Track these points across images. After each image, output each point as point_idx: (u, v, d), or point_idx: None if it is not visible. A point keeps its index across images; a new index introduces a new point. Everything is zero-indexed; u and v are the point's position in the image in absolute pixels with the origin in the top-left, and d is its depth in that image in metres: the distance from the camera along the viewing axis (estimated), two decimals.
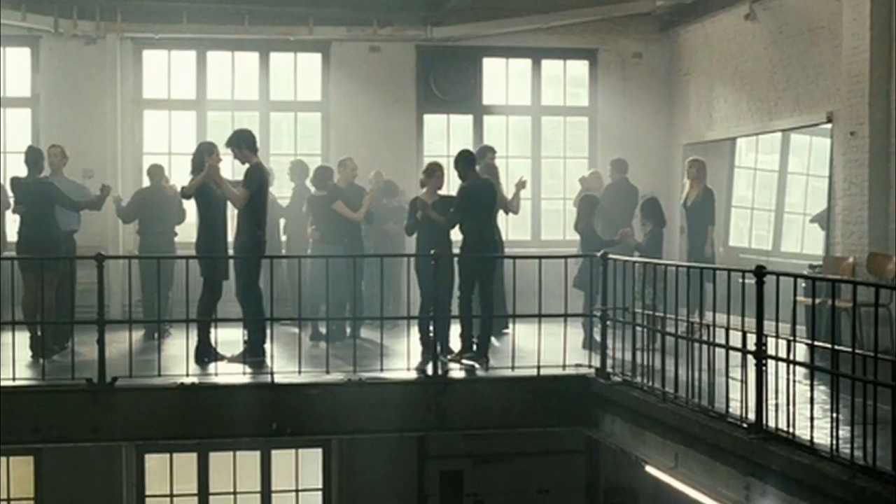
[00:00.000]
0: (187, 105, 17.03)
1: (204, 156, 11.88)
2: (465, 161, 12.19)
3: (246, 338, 11.66)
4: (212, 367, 11.17)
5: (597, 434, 11.17)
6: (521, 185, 14.10)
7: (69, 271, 12.39)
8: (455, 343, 12.17)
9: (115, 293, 14.81)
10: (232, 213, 12.17)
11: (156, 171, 14.34)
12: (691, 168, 14.07)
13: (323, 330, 13.34)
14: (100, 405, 10.35)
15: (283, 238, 15.12)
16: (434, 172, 12.42)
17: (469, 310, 11.97)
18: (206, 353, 11.53)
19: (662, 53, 17.92)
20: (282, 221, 15.21)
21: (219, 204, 11.94)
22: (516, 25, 17.21)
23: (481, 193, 12.13)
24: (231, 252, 12.11)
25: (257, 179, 11.74)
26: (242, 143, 11.81)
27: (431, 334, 11.49)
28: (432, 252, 11.29)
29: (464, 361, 11.75)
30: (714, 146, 17.17)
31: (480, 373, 11.27)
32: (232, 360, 11.46)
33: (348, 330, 13.34)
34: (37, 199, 12.42)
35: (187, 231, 13.90)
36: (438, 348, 11.46)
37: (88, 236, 13.67)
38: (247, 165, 11.84)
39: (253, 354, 11.44)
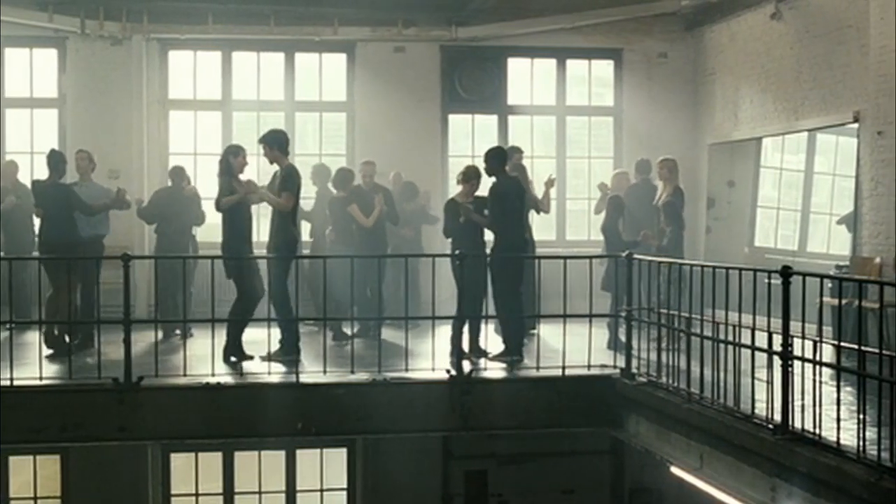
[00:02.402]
0: (213, 105, 17.08)
1: (230, 158, 11.95)
2: (496, 158, 12.16)
3: (280, 337, 11.70)
4: (236, 366, 11.22)
5: (622, 434, 11.16)
6: (550, 183, 14.09)
7: (94, 273, 12.41)
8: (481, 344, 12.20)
9: (140, 293, 14.86)
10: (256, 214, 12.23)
11: (177, 173, 14.37)
12: (662, 169, 13.99)
13: (347, 331, 13.41)
14: (126, 404, 10.41)
15: (310, 240, 15.14)
16: (472, 177, 12.40)
17: (514, 309, 11.93)
18: (234, 353, 11.60)
19: (688, 53, 17.86)
20: (307, 225, 15.25)
21: (244, 207, 12.01)
22: (541, 25, 17.20)
23: (513, 192, 12.11)
24: (265, 252, 12.17)
25: (296, 181, 11.85)
26: (276, 143, 11.90)
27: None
28: (457, 252, 11.32)
29: (501, 360, 11.75)
30: (740, 146, 17.13)
31: (505, 373, 11.26)
32: (271, 359, 11.50)
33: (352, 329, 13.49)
34: (53, 202, 12.53)
35: (209, 230, 13.91)
36: (467, 348, 11.56)
37: (114, 237, 13.71)
38: (276, 166, 11.91)
39: (288, 353, 11.49)
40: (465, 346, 11.99)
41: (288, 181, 11.77)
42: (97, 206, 12.91)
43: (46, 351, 11.82)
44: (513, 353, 11.79)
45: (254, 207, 12.42)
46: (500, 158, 12.21)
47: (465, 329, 11.94)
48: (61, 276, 12.00)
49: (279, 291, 11.75)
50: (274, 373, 11.02)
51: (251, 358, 11.60)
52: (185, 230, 14.09)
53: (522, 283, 12.27)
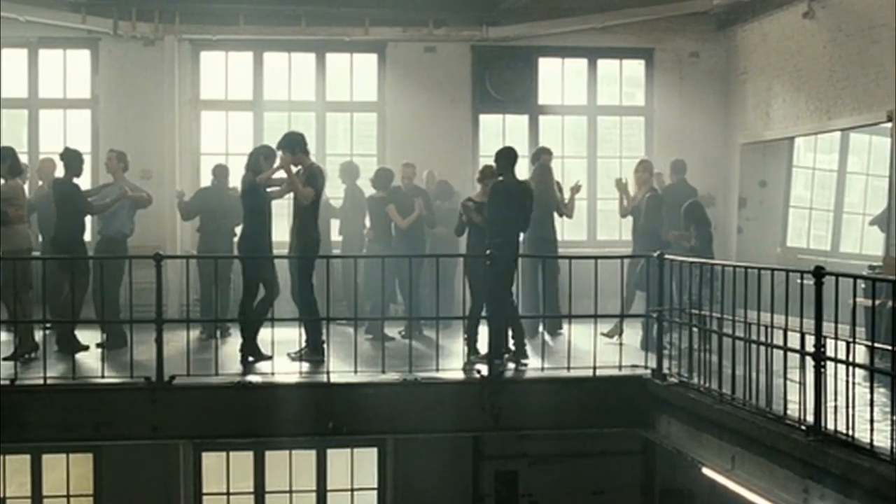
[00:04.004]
0: (244, 106, 17.13)
1: (260, 158, 12.00)
2: (505, 158, 12.08)
3: (306, 337, 11.73)
4: (267, 366, 11.26)
5: (653, 435, 11.13)
6: (576, 189, 14.08)
7: (112, 272, 12.43)
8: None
9: (172, 292, 14.92)
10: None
11: (220, 172, 14.45)
12: (643, 172, 13.96)
13: (387, 332, 13.46)
14: (158, 403, 10.48)
15: (339, 238, 15.21)
16: (487, 177, 12.37)
17: (504, 310, 11.90)
18: (251, 353, 11.63)
19: (719, 52, 17.78)
20: (336, 222, 15.32)
21: (267, 204, 12.06)
22: (572, 25, 17.17)
23: (514, 194, 12.01)
24: (288, 252, 12.22)
25: (320, 179, 11.90)
26: (296, 146, 11.92)
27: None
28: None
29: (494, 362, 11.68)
30: (772, 146, 17.05)
31: (536, 373, 11.23)
32: (299, 358, 11.53)
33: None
34: (60, 200, 12.59)
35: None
36: (477, 348, 11.57)
37: (146, 236, 13.79)
38: (299, 167, 11.95)
39: (314, 353, 11.52)
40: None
41: (311, 177, 11.82)
42: (102, 204, 12.96)
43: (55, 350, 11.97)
44: (520, 356, 11.77)
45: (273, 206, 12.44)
46: (508, 158, 12.10)
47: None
48: (68, 276, 12.10)
49: (302, 291, 11.77)
50: (305, 372, 11.04)
51: (268, 358, 11.62)
52: (228, 229, 14.15)
53: (511, 285, 12.12)
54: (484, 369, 11.02)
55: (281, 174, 11.99)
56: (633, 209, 13.98)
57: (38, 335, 12.16)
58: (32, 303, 12.07)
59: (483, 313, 11.79)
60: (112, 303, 12.50)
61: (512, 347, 11.87)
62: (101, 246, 13.10)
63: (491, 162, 12.40)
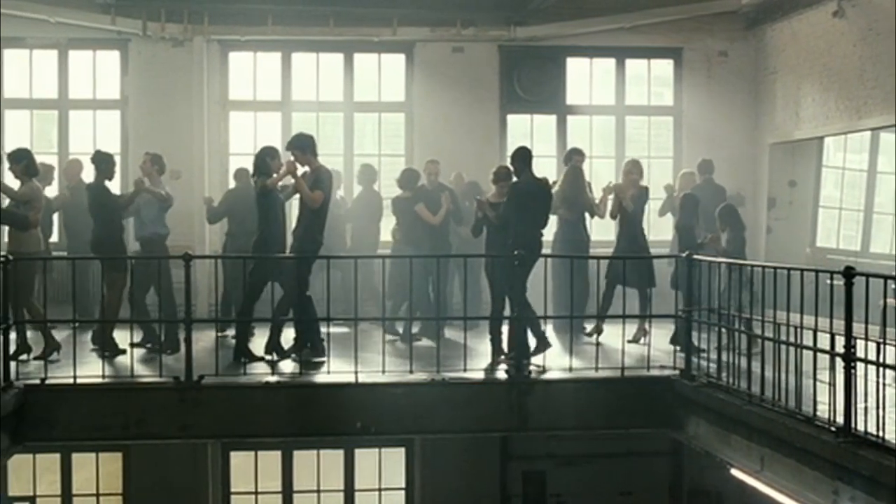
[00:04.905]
0: (272, 106, 17.17)
1: (266, 159, 11.99)
2: (520, 158, 12.10)
3: (297, 338, 11.79)
4: (295, 366, 11.29)
5: (681, 436, 11.09)
6: (608, 190, 14.07)
7: (149, 272, 12.49)
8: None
9: (201, 292, 14.98)
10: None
11: (243, 174, 14.49)
12: (630, 173, 13.93)
13: (401, 329, 13.47)
14: (187, 403, 10.52)
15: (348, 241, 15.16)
16: (502, 177, 12.36)
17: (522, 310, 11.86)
18: (243, 354, 11.66)
19: (748, 52, 17.70)
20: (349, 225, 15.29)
21: (280, 206, 12.10)
22: (600, 25, 17.13)
23: (531, 193, 12.02)
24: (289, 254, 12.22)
25: (327, 181, 11.89)
26: (307, 147, 11.91)
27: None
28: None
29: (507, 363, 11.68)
30: (801, 145, 16.97)
31: (564, 374, 11.21)
32: (299, 359, 11.55)
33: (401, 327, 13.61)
34: (91, 204, 12.68)
35: None
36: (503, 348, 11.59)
37: (175, 237, 13.83)
38: (306, 169, 11.95)
39: (316, 354, 11.54)
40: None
41: (320, 180, 11.82)
42: (125, 198, 13.02)
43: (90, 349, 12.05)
44: (543, 346, 11.74)
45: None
46: (524, 158, 12.12)
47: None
48: (109, 276, 12.19)
49: (301, 293, 11.78)
50: (333, 372, 11.05)
51: (261, 359, 11.64)
52: (254, 231, 14.18)
53: (524, 287, 12.07)
54: (511, 370, 11.02)
55: (288, 179, 12.02)
56: (670, 209, 14.05)
57: (61, 335, 12.20)
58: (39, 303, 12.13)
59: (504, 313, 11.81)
60: (167, 302, 12.60)
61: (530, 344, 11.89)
62: (143, 249, 13.16)
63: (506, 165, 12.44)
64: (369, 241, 14.86)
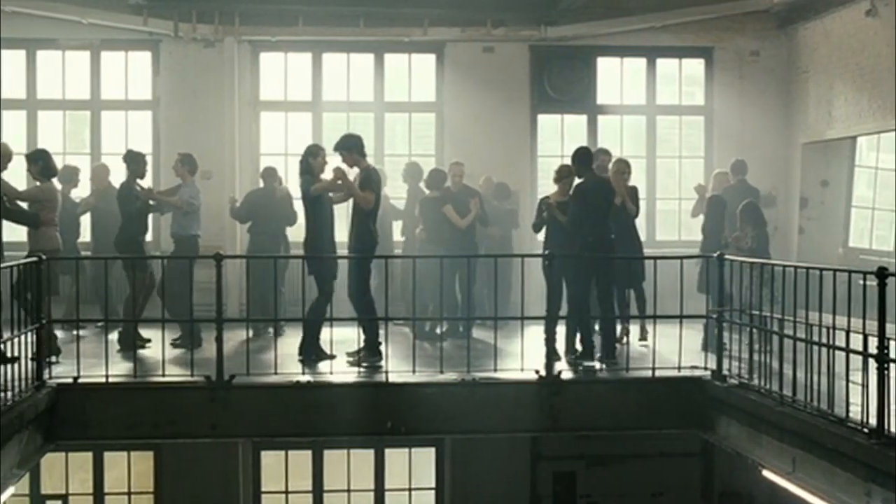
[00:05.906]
0: (303, 106, 17.21)
1: (309, 158, 12.02)
2: (581, 159, 12.17)
3: (364, 337, 11.76)
4: (326, 365, 11.31)
5: (712, 437, 11.04)
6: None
7: (175, 272, 12.52)
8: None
9: (231, 292, 15.02)
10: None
11: (269, 174, 14.54)
12: (622, 173, 13.87)
13: (426, 328, 13.49)
14: (218, 402, 10.55)
15: (402, 238, 15.24)
16: (565, 175, 12.41)
17: (585, 311, 11.90)
18: (312, 352, 11.68)
19: (780, 51, 17.61)
20: (398, 223, 15.34)
21: (327, 205, 12.11)
22: (631, 24, 17.10)
23: (598, 192, 12.06)
24: (345, 252, 12.25)
25: (377, 181, 11.93)
26: (353, 148, 11.94)
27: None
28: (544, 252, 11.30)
29: (585, 364, 11.69)
30: (834, 145, 16.87)
31: (595, 374, 11.19)
32: (358, 363, 11.55)
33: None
34: (119, 202, 12.79)
35: (301, 230, 14.01)
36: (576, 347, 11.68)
37: (206, 237, 13.89)
38: (356, 169, 11.98)
39: (371, 354, 11.54)
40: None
41: (369, 180, 11.84)
42: (139, 203, 13.10)
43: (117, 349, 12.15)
44: (607, 356, 11.75)
45: (335, 209, 12.48)
46: (586, 158, 12.20)
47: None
48: (129, 275, 12.30)
49: (358, 292, 11.80)
50: (363, 372, 11.07)
51: (333, 357, 11.67)
52: (278, 230, 14.24)
53: (610, 284, 12.17)
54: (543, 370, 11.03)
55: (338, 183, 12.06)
56: (701, 210, 14.09)
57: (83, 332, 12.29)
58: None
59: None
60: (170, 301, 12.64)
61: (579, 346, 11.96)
62: (175, 247, 13.25)
63: (550, 161, 12.46)
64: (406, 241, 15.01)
